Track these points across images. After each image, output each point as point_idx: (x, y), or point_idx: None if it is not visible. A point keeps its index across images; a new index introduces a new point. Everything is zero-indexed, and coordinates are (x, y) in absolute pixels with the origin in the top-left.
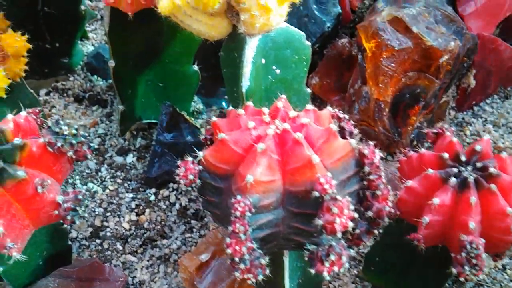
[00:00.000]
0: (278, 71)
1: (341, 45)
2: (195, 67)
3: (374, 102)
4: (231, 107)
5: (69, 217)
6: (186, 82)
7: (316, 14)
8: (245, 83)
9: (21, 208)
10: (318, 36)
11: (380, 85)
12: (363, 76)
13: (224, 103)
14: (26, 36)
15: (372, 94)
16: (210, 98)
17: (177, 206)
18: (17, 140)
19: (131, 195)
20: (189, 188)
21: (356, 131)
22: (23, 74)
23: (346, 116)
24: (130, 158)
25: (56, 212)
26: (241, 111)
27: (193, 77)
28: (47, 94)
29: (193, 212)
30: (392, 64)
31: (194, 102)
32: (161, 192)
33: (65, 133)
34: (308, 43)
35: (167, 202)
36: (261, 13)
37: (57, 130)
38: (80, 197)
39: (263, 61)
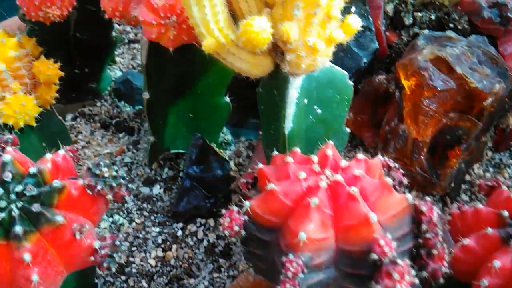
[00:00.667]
0: (319, 110)
1: (378, 82)
2: (227, 99)
3: (412, 142)
4: (275, 152)
5: (105, 264)
6: (217, 113)
7: (353, 49)
8: (288, 124)
9: (56, 254)
10: (354, 71)
11: (420, 124)
12: (401, 114)
13: (253, 135)
14: (58, 63)
15: (410, 133)
16: (239, 128)
17: (205, 242)
18: (56, 183)
19: (157, 229)
20: (217, 224)
21: (405, 180)
22: (54, 102)
23: (397, 165)
24: (157, 190)
25: (92, 258)
26: (289, 159)
27: (224, 108)
28: (74, 119)
29: (221, 249)
30: (434, 105)
31: (222, 132)
32: (188, 227)
33: (106, 175)
34: (351, 83)
35: (194, 238)
36: (308, 54)
37: (98, 172)
38: (118, 243)
39: (306, 101)
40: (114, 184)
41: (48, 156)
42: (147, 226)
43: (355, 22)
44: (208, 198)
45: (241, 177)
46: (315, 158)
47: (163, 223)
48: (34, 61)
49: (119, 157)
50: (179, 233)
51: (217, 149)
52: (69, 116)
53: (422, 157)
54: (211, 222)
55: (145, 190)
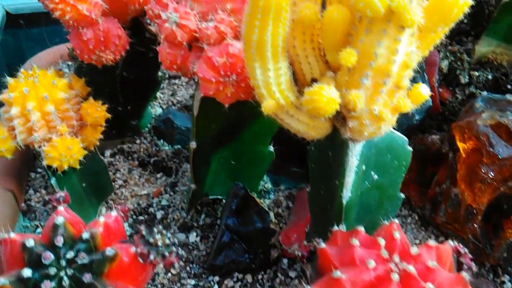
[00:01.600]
0: (376, 176)
1: (430, 141)
2: (271, 148)
3: (466, 208)
4: (336, 228)
5: None
6: (259, 161)
7: None
8: (346, 194)
9: None
10: (405, 128)
11: (475, 191)
12: (454, 177)
13: (293, 184)
14: (106, 105)
15: (464, 199)
16: (279, 176)
17: None
18: (109, 251)
19: (193, 281)
20: (255, 281)
21: (474, 266)
22: (98, 143)
23: (467, 251)
24: (193, 237)
25: None
26: (355, 241)
27: (267, 157)
28: (113, 155)
29: None
30: (492, 172)
31: (262, 180)
32: (225, 282)
33: (159, 243)
34: (410, 149)
35: None
36: (373, 122)
37: (151, 240)
38: None
39: (364, 167)
40: (166, 254)
41: (101, 219)
42: (182, 278)
43: (425, 91)
44: (247, 253)
45: (281, 230)
46: (382, 241)
47: (199, 275)
48: (83, 102)
49: (156, 199)
50: (215, 287)
51: (258, 200)
52: (108, 152)
53: (476, 225)
54: (248, 278)
55: (181, 236)
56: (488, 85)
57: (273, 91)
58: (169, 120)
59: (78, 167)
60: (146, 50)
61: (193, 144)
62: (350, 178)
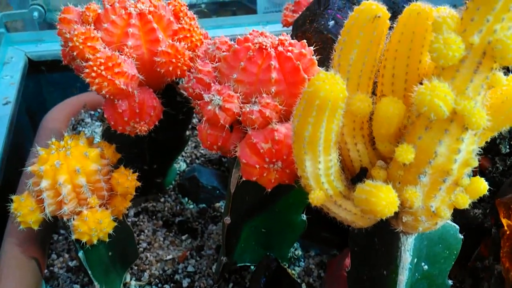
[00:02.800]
0: (426, 267)
1: (472, 215)
2: (304, 217)
3: (510, 286)
4: None
5: None
6: (291, 230)
7: None
8: None
9: None
10: None
11: None
12: (497, 253)
13: (324, 251)
14: (136, 173)
15: (509, 278)
16: (308, 241)
17: None
18: None
19: None
20: None
21: None
22: (126, 212)
23: None
24: None
25: None
26: None
27: (299, 225)
28: (137, 215)
29: None
30: None
31: (292, 247)
32: None
33: None
34: (461, 237)
35: None
36: (428, 218)
37: None
38: None
39: (415, 260)
40: None
41: None
42: None
43: (483, 186)
44: None
45: None
46: None
47: None
48: (113, 171)
49: (182, 264)
50: None
51: (289, 271)
52: (132, 211)
53: None
54: None
55: None
56: None
57: (322, 182)
58: (195, 178)
59: (107, 240)
60: (176, 112)
61: (227, 220)
62: (403, 277)
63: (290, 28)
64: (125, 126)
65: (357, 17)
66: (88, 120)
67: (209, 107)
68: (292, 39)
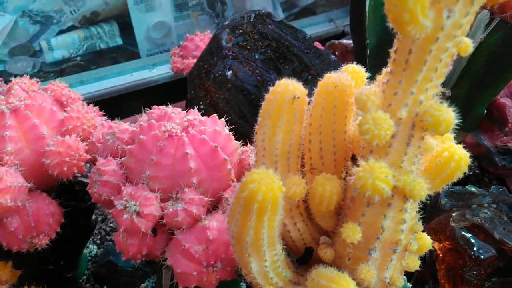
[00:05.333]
0: None
1: None
2: None
3: None
4: None
5: None
6: None
7: None
8: None
9: None
10: None
11: None
12: (434, 276)
13: None
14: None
15: None
16: None
17: None
18: None
19: None
20: None
21: None
22: None
23: None
24: None
25: None
26: None
27: None
28: None
29: None
30: (475, 272)
31: None
32: None
33: None
34: (410, 285)
35: None
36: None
37: None
38: None
39: None
40: None
41: None
42: None
43: (428, 242)
44: None
45: None
46: None
47: None
48: None
49: None
50: None
51: None
52: None
53: None
54: None
55: None
56: None
57: (271, 277)
58: (111, 262)
59: None
60: (77, 203)
61: None
62: None
63: (182, 73)
64: (21, 244)
65: (276, 100)
66: None
67: (125, 216)
68: (190, 93)
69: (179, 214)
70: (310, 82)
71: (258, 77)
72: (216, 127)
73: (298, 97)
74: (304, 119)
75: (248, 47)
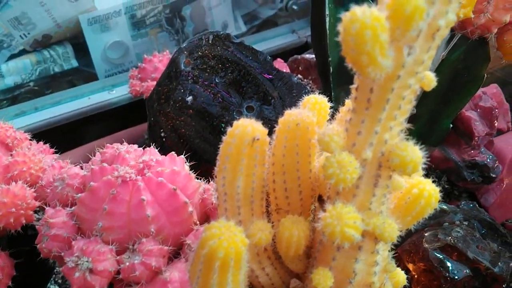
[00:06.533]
0: None
1: None
2: None
3: None
4: None
5: None
6: None
7: None
8: None
9: None
10: None
11: None
12: None
13: None
14: None
15: None
16: None
17: None
18: None
19: None
20: None
21: None
22: None
23: None
24: None
25: None
26: None
27: None
28: None
29: None
30: None
31: None
32: None
33: None
34: None
35: None
36: None
37: None
38: None
39: None
40: None
41: None
42: None
43: (402, 278)
44: None
45: None
46: None
47: None
48: None
49: None
50: None
51: None
52: None
53: None
54: None
55: None
56: None
57: None
58: None
59: None
60: (31, 248)
61: None
62: None
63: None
64: None
65: (234, 143)
66: None
67: (77, 274)
68: (151, 119)
69: (137, 269)
70: (273, 105)
71: (220, 101)
72: (174, 167)
73: (258, 139)
74: (266, 160)
75: (208, 70)
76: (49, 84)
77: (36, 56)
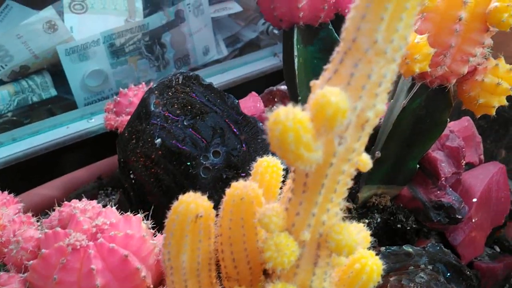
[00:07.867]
0: None
1: None
2: None
3: None
4: None
5: None
6: None
7: None
8: None
9: None
10: None
11: None
12: None
13: None
14: None
15: None
16: None
17: None
18: None
19: None
20: None
21: None
22: None
23: None
24: None
25: None
26: None
27: None
28: None
29: None
30: None
31: None
32: None
33: None
34: None
35: None
36: None
37: None
38: None
39: None
40: None
41: None
42: None
43: None
44: None
45: None
46: None
47: None
48: None
49: None
50: None
51: None
52: None
53: None
54: None
55: None
56: (379, 227)
57: None
58: None
59: None
60: None
61: None
62: None
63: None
64: None
65: (178, 220)
66: None
67: None
68: (120, 159)
69: None
70: (238, 150)
71: (189, 144)
72: (128, 230)
73: (201, 216)
74: (211, 233)
75: (178, 112)
76: (28, 113)
77: (14, 87)
